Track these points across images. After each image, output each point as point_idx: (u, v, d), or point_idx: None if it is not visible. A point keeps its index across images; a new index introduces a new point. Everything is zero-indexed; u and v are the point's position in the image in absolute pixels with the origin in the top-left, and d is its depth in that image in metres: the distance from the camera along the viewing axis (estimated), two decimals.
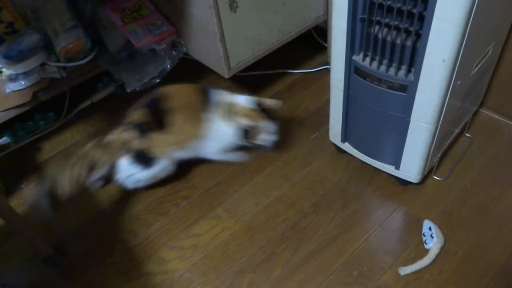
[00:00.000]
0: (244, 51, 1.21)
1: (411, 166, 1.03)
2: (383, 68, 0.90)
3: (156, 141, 1.06)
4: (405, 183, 1.10)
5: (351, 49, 0.93)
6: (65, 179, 0.99)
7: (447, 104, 0.88)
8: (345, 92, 1.02)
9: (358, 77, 0.95)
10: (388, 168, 1.08)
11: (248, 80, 1.51)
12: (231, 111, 1.09)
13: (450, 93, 0.86)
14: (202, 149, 1.14)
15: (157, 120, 1.06)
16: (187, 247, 1.05)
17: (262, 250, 1.02)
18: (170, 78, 1.29)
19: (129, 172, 1.09)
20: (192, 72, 1.52)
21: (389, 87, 0.90)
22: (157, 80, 1.34)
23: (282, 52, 1.38)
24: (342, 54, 0.95)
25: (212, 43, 1.15)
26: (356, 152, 1.13)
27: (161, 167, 1.10)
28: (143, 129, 1.06)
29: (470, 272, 0.93)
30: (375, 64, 0.90)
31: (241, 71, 1.26)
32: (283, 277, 0.97)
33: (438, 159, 1.09)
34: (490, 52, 1.00)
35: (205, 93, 1.11)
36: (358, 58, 0.93)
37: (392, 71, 0.88)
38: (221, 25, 1.09)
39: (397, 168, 1.05)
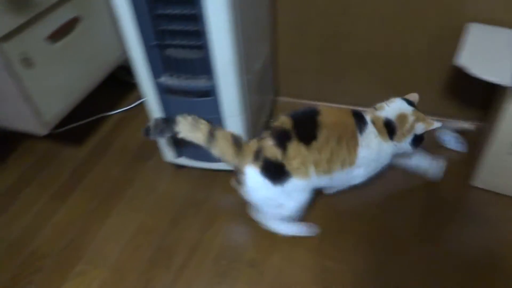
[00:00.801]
0: (56, 103, 1.20)
1: None
2: (186, 82, 1.04)
3: (294, 154, 0.93)
4: None
5: (154, 73, 1.04)
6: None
7: (246, 96, 1.07)
8: (162, 112, 1.12)
9: (168, 95, 1.07)
10: (223, 165, 1.23)
11: (71, 133, 1.48)
12: (402, 122, 0.99)
13: (244, 87, 1.05)
14: (345, 176, 1.00)
15: (301, 131, 0.94)
16: None
17: (137, 282, 1.04)
18: None
19: (255, 181, 0.96)
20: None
21: (197, 96, 1.05)
22: None
23: (97, 98, 1.42)
24: (148, 80, 1.06)
25: (17, 106, 1.11)
26: (192, 162, 1.25)
27: (294, 188, 0.96)
28: (282, 137, 0.93)
29: None
30: (178, 80, 1.04)
31: (61, 126, 1.24)
32: None
33: None
34: (265, 52, 1.24)
35: (358, 115, 0.99)
36: (163, 79, 1.05)
37: (194, 82, 1.03)
38: (21, 84, 1.08)
39: None
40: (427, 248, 1.04)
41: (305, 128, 0.94)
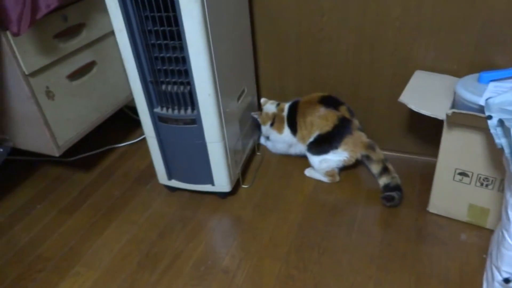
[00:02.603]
0: (69, 131, 1.43)
1: (221, 180, 1.38)
2: (176, 112, 1.26)
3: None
4: (223, 195, 1.44)
5: (150, 104, 1.27)
6: None
7: (225, 125, 1.28)
8: (157, 137, 1.34)
9: (162, 123, 1.29)
10: (208, 187, 1.41)
11: (82, 161, 1.70)
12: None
13: (223, 117, 1.26)
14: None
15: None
16: None
17: (124, 282, 1.19)
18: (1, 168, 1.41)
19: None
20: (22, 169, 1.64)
21: (185, 124, 1.26)
22: None
23: (107, 132, 1.66)
24: (146, 110, 1.28)
25: (38, 129, 1.34)
26: (182, 184, 1.44)
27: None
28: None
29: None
30: (170, 110, 1.26)
31: (74, 155, 1.46)
32: None
33: (240, 172, 1.48)
34: (246, 90, 1.47)
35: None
36: (158, 109, 1.28)
37: (182, 112, 1.25)
38: (43, 112, 1.31)
39: (213, 184, 1.39)
40: (384, 260, 1.18)
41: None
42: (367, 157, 1.41)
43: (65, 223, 1.42)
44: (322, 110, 1.43)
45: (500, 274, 0.96)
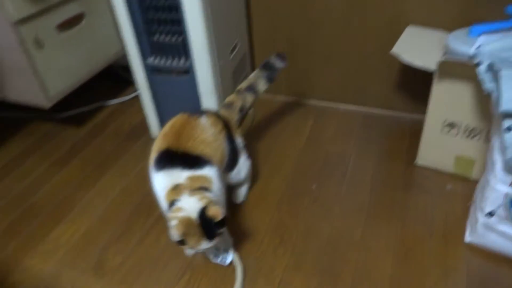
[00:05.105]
0: (59, 82, 1.41)
1: None
2: (169, 62, 1.25)
3: None
4: None
5: (143, 55, 1.26)
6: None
7: (219, 77, 1.28)
8: (150, 90, 1.33)
9: (155, 74, 1.28)
10: None
11: (73, 118, 1.69)
12: None
13: (217, 69, 1.26)
14: None
15: None
16: (48, 251, 1.16)
17: (118, 228, 1.21)
18: None
19: None
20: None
21: (178, 74, 1.26)
22: None
23: (98, 90, 1.70)
24: (138, 61, 1.27)
25: (27, 80, 1.33)
26: None
27: None
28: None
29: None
30: (163, 61, 1.25)
31: (64, 111, 1.45)
32: (141, 238, 1.18)
33: None
34: (238, 45, 1.46)
35: None
36: (150, 60, 1.27)
37: (175, 63, 1.24)
38: (32, 61, 1.29)
39: None
40: (373, 208, 1.21)
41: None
42: (241, 109, 1.21)
43: (57, 175, 1.42)
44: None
45: (483, 214, 1.00)
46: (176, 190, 0.94)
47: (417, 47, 1.26)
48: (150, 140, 1.51)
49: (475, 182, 1.24)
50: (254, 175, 1.30)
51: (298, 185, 1.31)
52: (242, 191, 1.25)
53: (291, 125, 1.57)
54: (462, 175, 1.29)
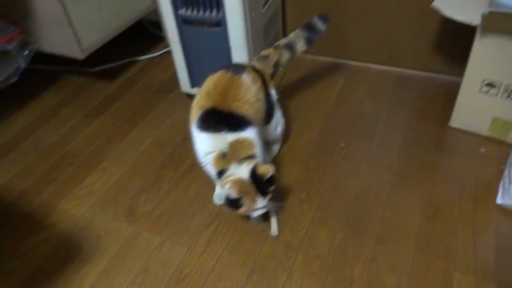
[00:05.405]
0: (93, 34, 1.43)
1: None
2: (201, 14, 1.23)
3: None
4: None
5: (175, 6, 1.25)
6: None
7: (250, 30, 1.26)
8: (181, 42, 1.33)
9: (186, 25, 1.27)
10: None
11: (104, 72, 1.72)
12: None
13: (249, 22, 1.24)
14: None
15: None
16: (82, 196, 1.21)
17: (149, 178, 1.25)
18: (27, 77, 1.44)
19: None
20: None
21: (209, 26, 1.25)
22: (15, 79, 1.46)
23: (129, 46, 1.72)
24: (170, 12, 1.26)
25: (62, 30, 1.35)
26: None
27: None
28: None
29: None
30: (195, 12, 1.24)
31: (96, 66, 1.46)
32: (171, 189, 1.21)
33: None
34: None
35: None
36: (182, 11, 1.26)
37: (207, 14, 1.23)
38: (67, 12, 1.30)
39: None
40: (402, 168, 1.20)
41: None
42: (275, 64, 1.20)
43: (90, 126, 1.46)
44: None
45: None
46: (224, 159, 0.95)
47: (459, 1, 1.19)
48: (180, 94, 1.52)
49: (510, 146, 1.21)
50: (285, 132, 1.29)
51: (327, 142, 1.30)
52: (275, 148, 1.27)
53: (322, 84, 1.55)
54: (497, 138, 1.25)
